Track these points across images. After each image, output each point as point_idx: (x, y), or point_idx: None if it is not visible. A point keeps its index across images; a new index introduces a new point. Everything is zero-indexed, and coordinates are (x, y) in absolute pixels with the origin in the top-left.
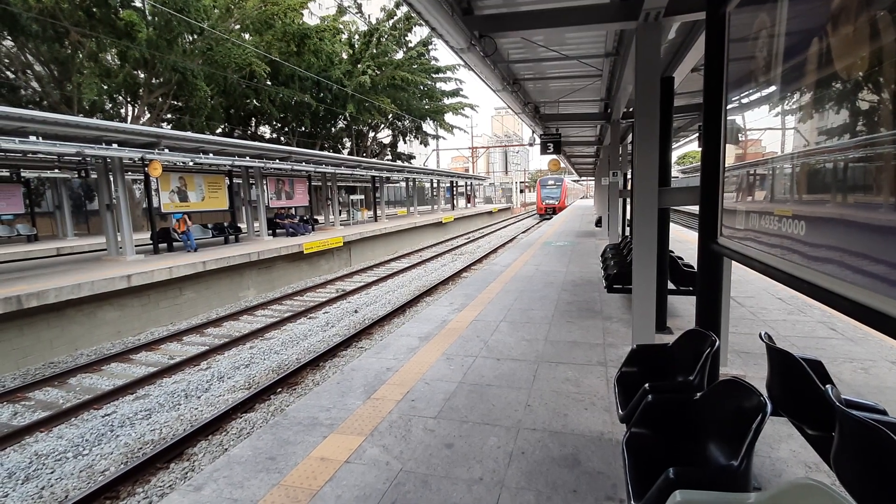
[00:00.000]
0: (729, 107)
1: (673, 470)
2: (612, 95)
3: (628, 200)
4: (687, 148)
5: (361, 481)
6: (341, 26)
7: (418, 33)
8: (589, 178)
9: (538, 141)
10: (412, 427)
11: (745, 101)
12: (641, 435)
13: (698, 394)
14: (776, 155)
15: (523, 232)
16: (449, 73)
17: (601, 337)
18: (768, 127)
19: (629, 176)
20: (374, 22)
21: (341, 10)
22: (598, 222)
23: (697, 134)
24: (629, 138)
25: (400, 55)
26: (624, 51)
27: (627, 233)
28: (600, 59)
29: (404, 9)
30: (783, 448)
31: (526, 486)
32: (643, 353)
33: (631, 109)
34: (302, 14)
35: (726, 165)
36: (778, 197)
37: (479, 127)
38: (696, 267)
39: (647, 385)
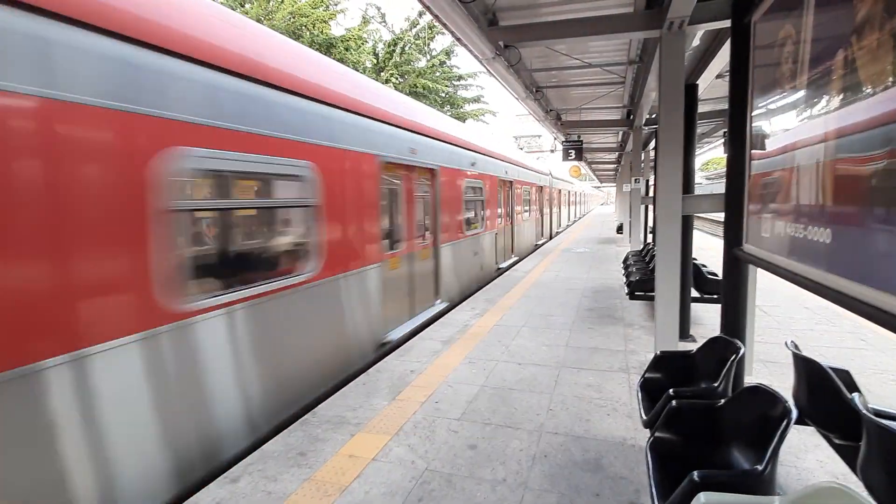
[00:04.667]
0: (754, 113)
1: (697, 473)
2: (634, 102)
3: (650, 207)
4: (709, 154)
5: (388, 479)
6: (366, 35)
7: (441, 42)
8: (609, 185)
9: (559, 147)
10: (436, 428)
11: (771, 107)
12: (665, 439)
13: (722, 400)
14: (802, 161)
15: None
16: (470, 81)
17: (622, 343)
18: (794, 133)
19: (651, 182)
20: (397, 31)
21: (366, 21)
22: (619, 229)
23: (722, 140)
24: (651, 144)
25: (422, 63)
26: (647, 58)
27: (650, 240)
28: (623, 66)
29: (427, 17)
30: (809, 458)
31: (549, 488)
32: (666, 360)
33: (654, 116)
34: (330, 26)
35: (752, 172)
36: (804, 203)
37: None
38: (720, 274)
39: (671, 390)
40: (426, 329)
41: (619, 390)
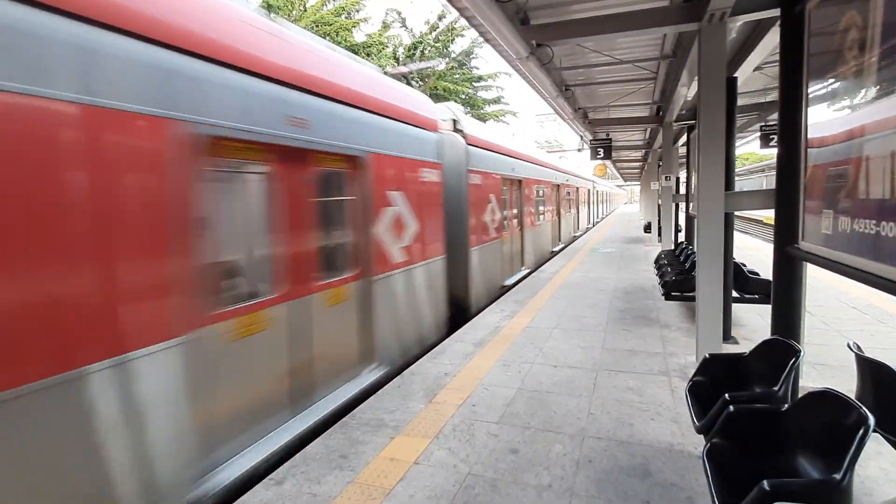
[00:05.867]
0: (810, 106)
1: (768, 482)
2: (665, 98)
3: (680, 205)
4: (741, 150)
5: (431, 482)
6: (386, 40)
7: (460, 44)
8: (633, 183)
9: (586, 146)
10: (475, 431)
11: (832, 96)
12: (723, 446)
13: (785, 405)
14: (874, 151)
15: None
16: (490, 82)
17: (660, 346)
18: (859, 123)
19: (683, 180)
20: (417, 35)
21: (386, 26)
22: (647, 228)
23: (759, 134)
24: (680, 141)
25: (442, 66)
26: (682, 53)
27: (682, 238)
28: (654, 61)
29: (447, 20)
30: (872, 466)
31: (596, 494)
32: (716, 363)
33: (684, 112)
34: (352, 33)
35: (809, 164)
36: (874, 196)
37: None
38: (761, 274)
39: (726, 395)
40: (457, 331)
41: (662, 394)
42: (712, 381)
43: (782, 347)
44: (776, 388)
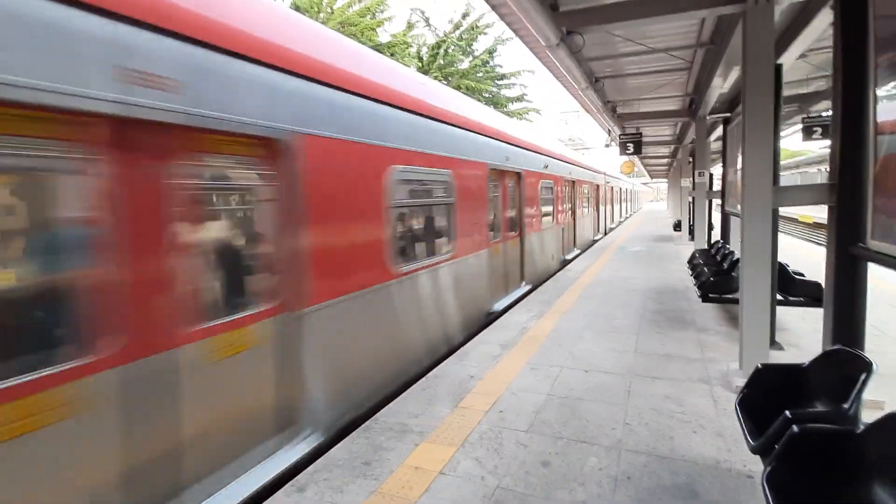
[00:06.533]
0: (879, 91)
1: None
2: (699, 90)
3: (713, 203)
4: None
5: (457, 495)
6: (410, 40)
7: (483, 42)
8: (659, 180)
9: (614, 142)
10: (504, 440)
11: None
12: (786, 471)
13: (859, 427)
14: None
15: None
16: (513, 80)
17: (698, 351)
18: None
19: (719, 176)
20: (441, 34)
21: (410, 26)
22: (677, 226)
23: (801, 126)
24: (713, 136)
25: (465, 64)
26: (720, 40)
27: (718, 237)
28: (689, 50)
29: (470, 19)
30: None
31: None
32: (769, 374)
33: (718, 105)
34: (377, 33)
35: (881, 154)
36: None
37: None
38: (806, 275)
39: (787, 413)
40: (482, 332)
41: (703, 404)
42: (765, 395)
43: (848, 359)
44: (846, 406)
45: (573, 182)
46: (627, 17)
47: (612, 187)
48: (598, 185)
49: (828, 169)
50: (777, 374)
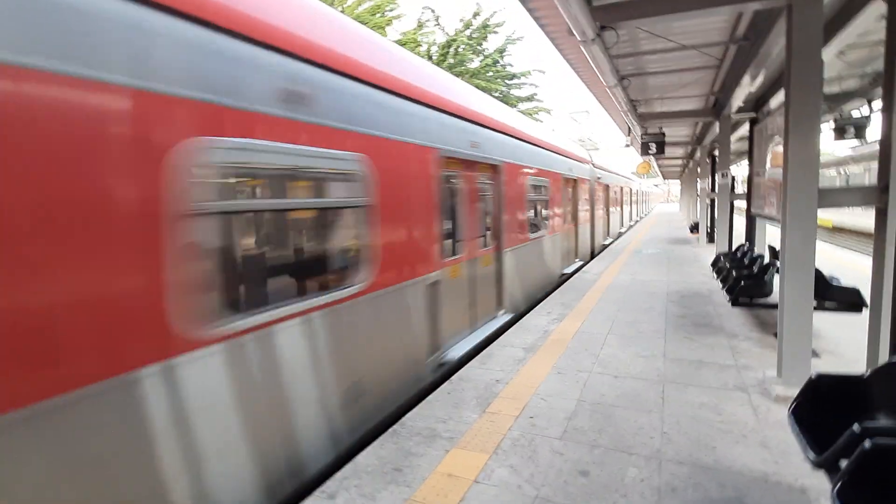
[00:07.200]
0: None
1: None
2: (726, 88)
3: (729, 204)
4: None
5: None
6: (420, 38)
7: (493, 41)
8: (672, 181)
9: (635, 142)
10: (537, 447)
11: None
12: (858, 489)
13: None
14: None
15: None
16: (523, 79)
17: (731, 357)
18: None
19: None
20: (451, 33)
21: (420, 25)
22: (694, 227)
23: (833, 126)
24: (734, 136)
25: (476, 63)
26: (755, 36)
27: (742, 240)
28: (719, 47)
29: (481, 18)
30: None
31: None
32: (826, 384)
33: (744, 104)
34: (387, 31)
35: None
36: None
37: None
38: (841, 280)
39: (855, 426)
40: (504, 334)
41: (742, 412)
42: (820, 406)
43: None
44: None
45: (575, 181)
46: (669, 11)
47: (621, 187)
48: (607, 185)
49: (847, 171)
50: (833, 385)
